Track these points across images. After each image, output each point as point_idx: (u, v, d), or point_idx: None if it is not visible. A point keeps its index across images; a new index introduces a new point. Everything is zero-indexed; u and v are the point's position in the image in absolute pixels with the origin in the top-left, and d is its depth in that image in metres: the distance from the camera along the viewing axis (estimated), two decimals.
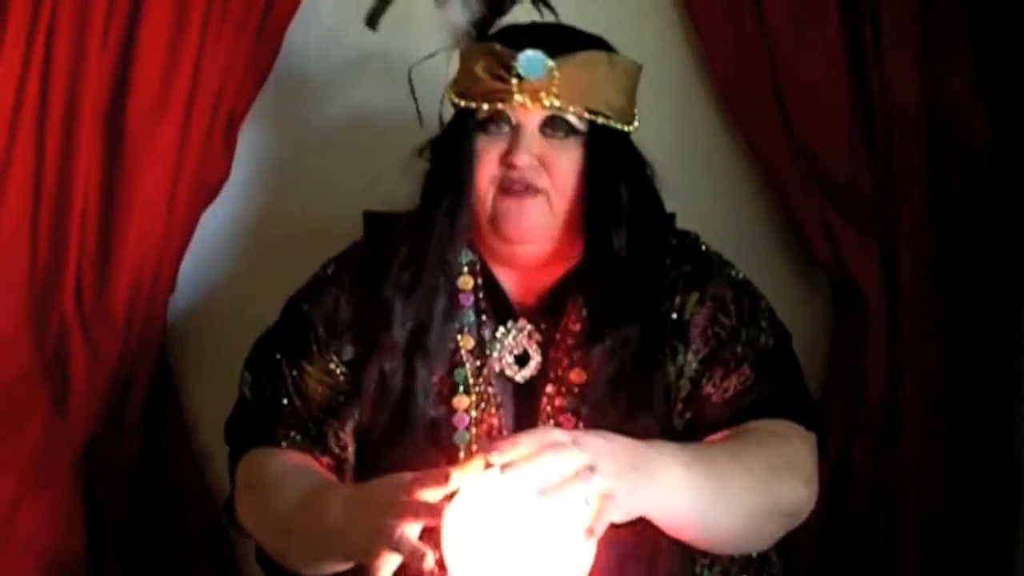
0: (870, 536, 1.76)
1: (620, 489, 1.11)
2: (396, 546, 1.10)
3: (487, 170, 1.31)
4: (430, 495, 1.11)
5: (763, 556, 1.37)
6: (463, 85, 1.34)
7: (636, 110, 1.37)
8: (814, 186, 1.76)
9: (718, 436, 1.30)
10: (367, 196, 1.57)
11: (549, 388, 1.32)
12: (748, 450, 1.25)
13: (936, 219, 1.73)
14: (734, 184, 1.86)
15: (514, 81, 1.28)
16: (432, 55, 1.43)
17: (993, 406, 1.73)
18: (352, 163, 1.75)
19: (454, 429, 1.33)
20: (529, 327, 1.36)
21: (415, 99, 1.50)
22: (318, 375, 1.37)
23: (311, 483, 1.30)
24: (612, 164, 1.32)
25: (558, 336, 1.34)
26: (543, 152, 1.30)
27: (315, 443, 1.36)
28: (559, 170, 1.30)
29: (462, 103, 1.33)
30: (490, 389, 1.34)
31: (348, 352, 1.37)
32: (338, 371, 1.37)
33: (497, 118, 1.31)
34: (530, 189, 1.30)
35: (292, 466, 1.34)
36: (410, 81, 1.51)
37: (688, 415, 1.32)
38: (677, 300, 1.34)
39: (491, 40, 1.35)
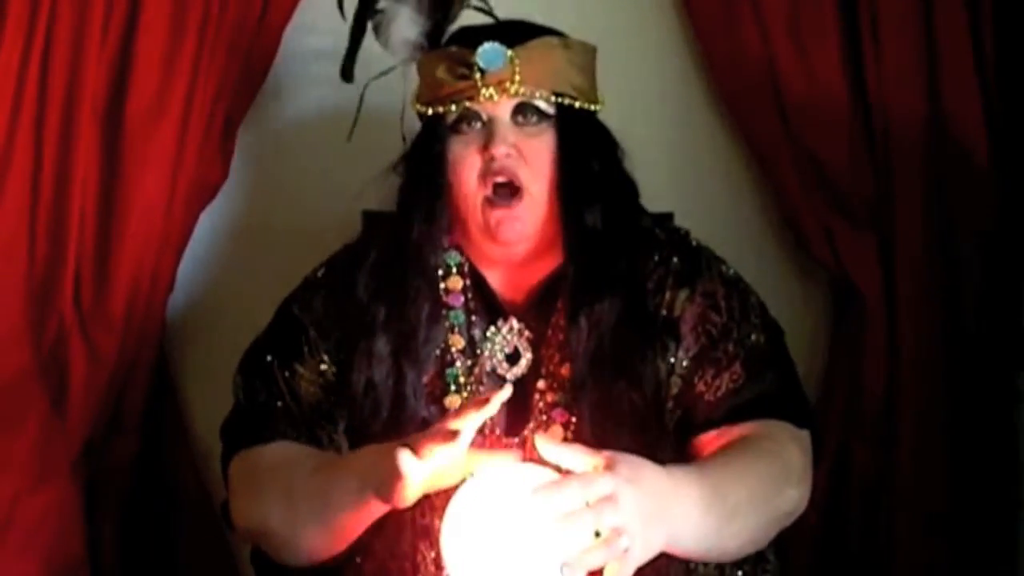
0: (869, 536, 1.76)
1: (639, 544, 1.09)
2: (422, 446, 1.11)
3: (469, 168, 1.31)
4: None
5: (759, 552, 1.36)
6: (427, 94, 1.35)
7: (599, 91, 1.38)
8: (813, 186, 1.75)
9: (712, 437, 1.30)
10: (366, 196, 1.57)
11: (540, 384, 1.33)
12: (749, 467, 1.25)
13: (935, 219, 1.73)
14: (733, 184, 1.86)
15: (477, 76, 1.29)
16: (387, 72, 1.44)
17: (992, 406, 1.72)
18: (351, 163, 1.75)
19: None
20: (519, 325, 1.36)
21: (356, 116, 1.52)
22: (309, 376, 1.37)
23: (321, 454, 1.32)
24: (583, 143, 1.33)
25: (549, 332, 1.34)
26: (518, 140, 1.31)
27: (309, 443, 1.36)
28: (535, 156, 1.31)
29: (430, 111, 1.34)
30: (482, 388, 1.35)
31: (337, 354, 1.37)
32: (329, 372, 1.37)
33: (468, 117, 1.32)
34: (515, 192, 1.30)
35: (293, 450, 1.35)
36: (361, 100, 1.52)
37: (679, 413, 1.32)
38: (667, 296, 1.34)
39: (444, 45, 1.37)
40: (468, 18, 1.45)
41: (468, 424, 1.12)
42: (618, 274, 1.32)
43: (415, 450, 1.12)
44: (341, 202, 1.57)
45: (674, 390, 1.32)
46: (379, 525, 1.28)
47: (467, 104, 1.31)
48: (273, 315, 1.44)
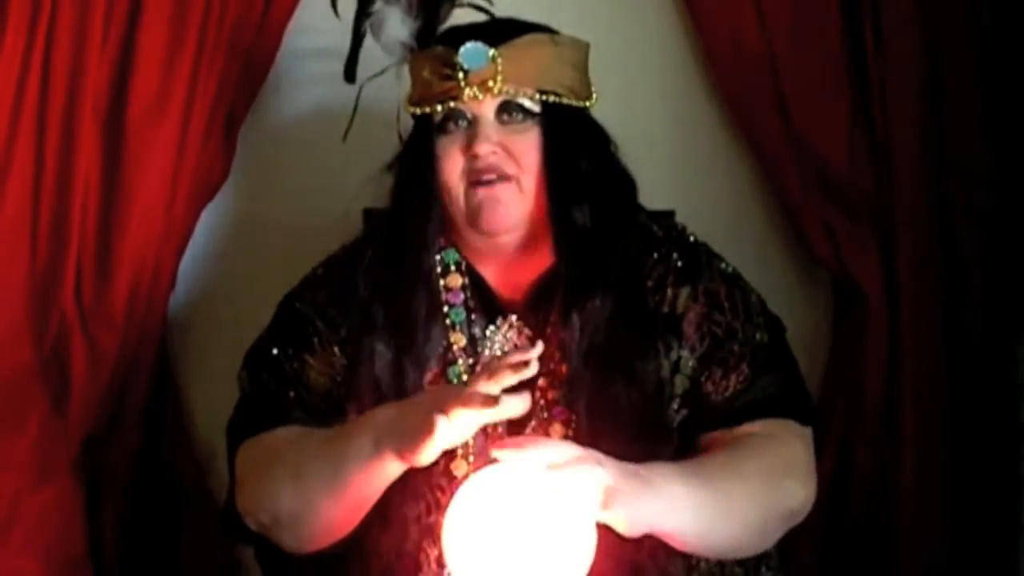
0: (870, 535, 1.76)
1: (625, 487, 1.12)
2: (460, 403, 1.13)
3: (453, 166, 1.32)
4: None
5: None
6: (416, 94, 1.36)
7: (593, 87, 1.38)
8: (814, 185, 1.76)
9: (718, 437, 1.31)
10: (366, 194, 1.57)
11: (541, 382, 1.33)
12: (744, 460, 1.27)
13: (936, 217, 1.73)
14: (734, 183, 1.86)
15: (460, 76, 1.29)
16: (380, 73, 1.45)
17: (994, 404, 1.73)
18: (351, 161, 1.75)
19: None
20: (518, 323, 1.37)
21: (352, 116, 1.53)
22: (320, 367, 1.37)
23: (326, 431, 1.32)
24: (570, 140, 1.33)
25: (548, 330, 1.34)
26: (503, 138, 1.31)
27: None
28: (521, 153, 1.31)
29: (417, 111, 1.35)
30: None
31: (346, 347, 1.37)
32: (339, 364, 1.37)
33: (454, 116, 1.32)
34: (500, 177, 1.30)
35: (300, 430, 1.35)
36: (357, 100, 1.52)
37: (684, 412, 1.32)
38: (668, 294, 1.34)
39: (431, 45, 1.37)
40: (463, 16, 1.44)
41: (503, 387, 1.14)
42: (611, 271, 1.32)
43: (447, 412, 1.13)
44: (341, 200, 1.57)
45: (679, 389, 1.32)
46: (385, 524, 1.29)
47: (451, 104, 1.31)
48: (274, 313, 1.44)
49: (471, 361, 1.35)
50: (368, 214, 1.64)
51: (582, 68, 1.38)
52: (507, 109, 1.32)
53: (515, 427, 1.33)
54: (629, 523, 1.14)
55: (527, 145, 1.32)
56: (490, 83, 1.30)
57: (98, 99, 1.69)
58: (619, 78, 1.77)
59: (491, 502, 1.11)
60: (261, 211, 1.87)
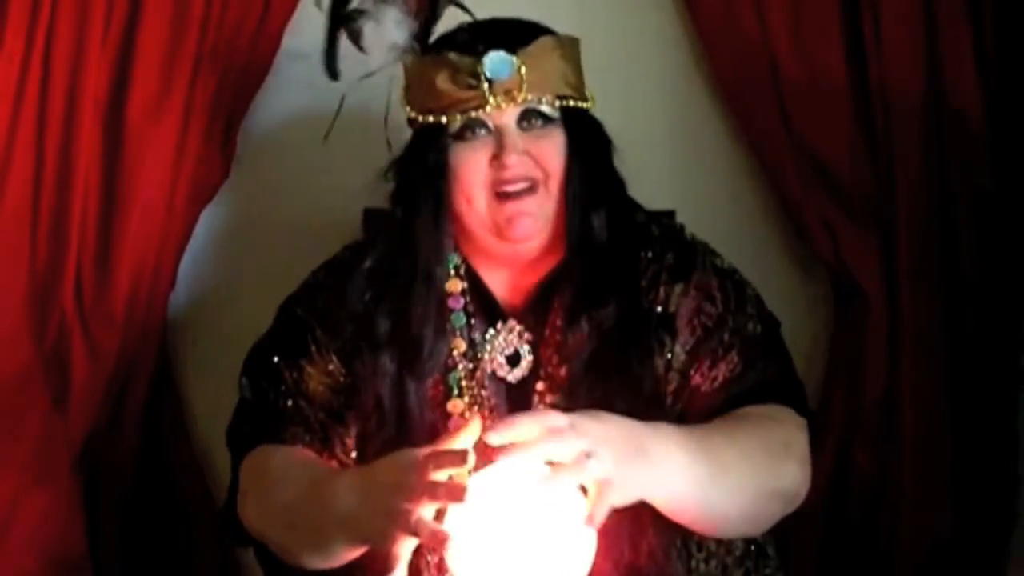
0: (870, 536, 1.76)
1: (618, 476, 1.12)
2: (414, 530, 1.09)
3: (475, 176, 1.31)
4: (445, 474, 1.11)
5: (760, 549, 1.37)
6: (425, 100, 1.33)
7: (589, 87, 1.38)
8: (814, 184, 1.75)
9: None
10: (367, 194, 1.57)
11: (540, 385, 1.33)
12: (745, 432, 1.26)
13: (937, 217, 1.72)
14: (734, 183, 1.86)
15: (485, 86, 1.28)
16: (373, 74, 1.44)
17: (994, 405, 1.72)
18: (351, 162, 1.75)
19: None
20: (519, 327, 1.36)
21: (334, 118, 1.50)
22: (318, 376, 1.37)
23: (315, 473, 1.29)
24: (588, 143, 1.34)
25: (547, 333, 1.34)
26: (528, 145, 1.31)
27: (323, 444, 1.35)
28: (547, 158, 1.31)
29: (431, 119, 1.32)
30: (483, 392, 1.35)
31: (344, 356, 1.36)
32: (337, 373, 1.36)
33: (472, 124, 1.31)
34: (528, 187, 1.30)
35: (297, 459, 1.33)
36: (341, 102, 1.49)
37: (678, 408, 1.32)
38: (661, 292, 1.33)
39: (437, 50, 1.34)
40: (453, 16, 1.43)
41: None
42: (619, 276, 1.32)
43: (410, 510, 1.10)
44: (341, 200, 1.57)
45: (672, 385, 1.32)
46: None
47: (473, 114, 1.30)
48: (275, 317, 1.43)
49: (471, 366, 1.35)
50: (368, 214, 1.64)
51: (580, 66, 1.38)
52: (528, 116, 1.31)
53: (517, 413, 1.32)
54: (622, 500, 1.14)
55: (552, 150, 1.31)
56: (515, 92, 1.29)
57: (98, 99, 1.69)
58: (619, 78, 1.77)
59: (489, 505, 1.11)
60: (261, 211, 1.87)
